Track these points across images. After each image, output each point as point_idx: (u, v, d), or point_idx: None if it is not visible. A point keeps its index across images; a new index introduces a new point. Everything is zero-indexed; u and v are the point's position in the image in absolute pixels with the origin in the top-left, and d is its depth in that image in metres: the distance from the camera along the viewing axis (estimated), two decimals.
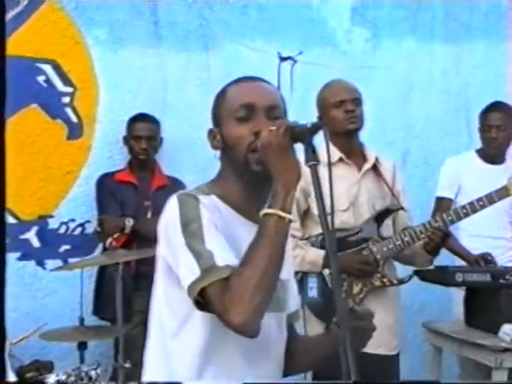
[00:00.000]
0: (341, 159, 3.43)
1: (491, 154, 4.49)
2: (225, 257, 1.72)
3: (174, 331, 1.83)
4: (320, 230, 3.24)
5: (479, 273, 3.82)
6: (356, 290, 3.35)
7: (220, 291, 1.68)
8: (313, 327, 3.23)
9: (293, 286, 2.05)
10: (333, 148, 3.33)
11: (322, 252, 3.29)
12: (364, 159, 3.51)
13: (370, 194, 3.46)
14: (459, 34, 5.35)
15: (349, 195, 3.41)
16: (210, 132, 1.95)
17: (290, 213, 1.74)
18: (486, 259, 4.08)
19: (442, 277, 3.86)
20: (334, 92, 3.50)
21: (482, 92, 5.28)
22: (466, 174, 4.49)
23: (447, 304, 4.55)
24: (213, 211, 1.80)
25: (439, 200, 4.54)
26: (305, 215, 3.38)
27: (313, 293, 3.31)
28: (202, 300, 1.72)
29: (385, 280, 3.39)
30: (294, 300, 2.05)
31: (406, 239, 3.39)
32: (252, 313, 1.67)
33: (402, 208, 3.50)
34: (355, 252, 3.37)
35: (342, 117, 3.40)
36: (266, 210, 1.74)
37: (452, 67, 5.36)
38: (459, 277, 3.77)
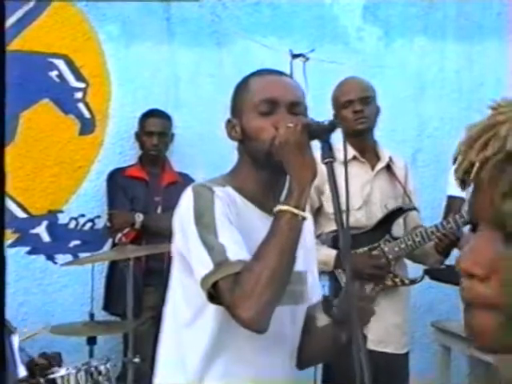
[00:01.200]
0: (355, 157, 3.42)
1: None
2: (237, 251, 1.74)
3: (188, 321, 1.87)
4: (332, 228, 3.26)
5: None
6: (367, 289, 3.34)
7: (231, 286, 1.71)
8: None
9: (313, 278, 2.05)
10: (347, 146, 3.33)
11: (333, 252, 3.29)
12: (378, 158, 3.51)
13: (383, 194, 3.47)
14: (471, 32, 5.35)
15: (362, 194, 3.41)
16: (229, 122, 1.96)
17: (304, 210, 1.76)
18: None
19: (453, 276, 3.84)
20: (343, 92, 3.50)
21: (494, 91, 5.28)
22: None
23: (456, 303, 4.55)
24: (228, 204, 1.82)
25: (451, 199, 4.54)
26: (317, 212, 3.39)
27: (324, 291, 3.32)
28: (214, 293, 1.74)
29: (397, 280, 3.39)
30: (314, 291, 2.05)
31: (418, 239, 3.39)
32: (261, 309, 1.69)
33: (415, 208, 3.51)
34: (368, 255, 3.36)
35: (350, 117, 3.40)
36: (280, 207, 1.76)
37: (464, 66, 5.36)
38: None
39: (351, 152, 3.39)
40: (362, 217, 3.39)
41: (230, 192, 1.88)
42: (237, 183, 1.90)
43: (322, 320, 1.95)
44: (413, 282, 3.46)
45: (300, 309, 1.99)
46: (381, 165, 3.50)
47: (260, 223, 1.84)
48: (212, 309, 1.81)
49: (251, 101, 1.90)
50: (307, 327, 2.01)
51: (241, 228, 1.81)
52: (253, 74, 1.97)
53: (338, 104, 3.47)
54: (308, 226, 1.87)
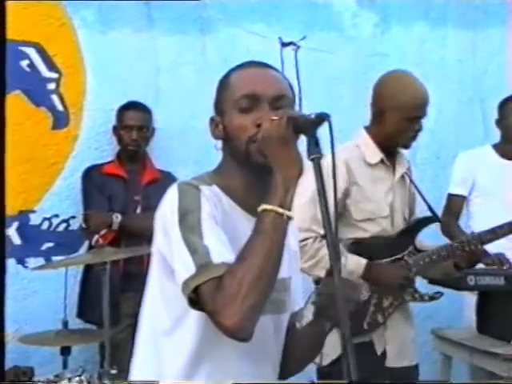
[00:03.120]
0: (382, 161, 3.39)
1: (510, 148, 4.50)
2: (222, 253, 1.74)
3: (168, 329, 1.86)
4: (353, 235, 3.30)
5: (492, 276, 3.82)
6: (386, 303, 3.34)
7: (213, 290, 1.70)
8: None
9: (297, 285, 2.05)
10: (375, 147, 3.36)
11: (363, 261, 3.27)
12: (398, 162, 3.47)
13: (402, 201, 3.46)
14: (474, 18, 5.37)
15: (386, 200, 3.39)
16: (212, 121, 1.96)
17: (289, 209, 1.76)
18: (501, 260, 4.10)
19: (453, 280, 3.87)
20: (414, 104, 3.32)
21: (498, 81, 5.31)
22: (481, 170, 4.51)
23: (457, 310, 4.58)
24: (214, 203, 1.82)
25: (451, 197, 4.56)
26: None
27: None
28: (195, 298, 1.74)
29: (416, 295, 3.39)
30: (296, 299, 2.05)
31: (443, 254, 3.40)
32: (244, 315, 1.68)
33: (439, 220, 3.53)
34: (399, 265, 3.36)
35: (409, 133, 3.36)
36: (263, 206, 1.76)
37: (467, 54, 5.38)
38: (471, 280, 3.78)
39: (379, 154, 3.37)
40: (387, 226, 3.37)
41: (216, 191, 1.88)
42: (222, 182, 1.90)
43: (306, 318, 1.96)
44: (432, 298, 3.44)
45: (283, 318, 1.99)
46: (402, 169, 3.46)
47: (245, 225, 1.83)
48: (194, 315, 1.80)
49: (232, 97, 1.90)
50: (289, 336, 2.01)
51: (226, 229, 1.81)
52: (234, 68, 1.97)
53: (402, 111, 3.32)
54: (291, 228, 1.87)
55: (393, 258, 3.37)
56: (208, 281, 1.71)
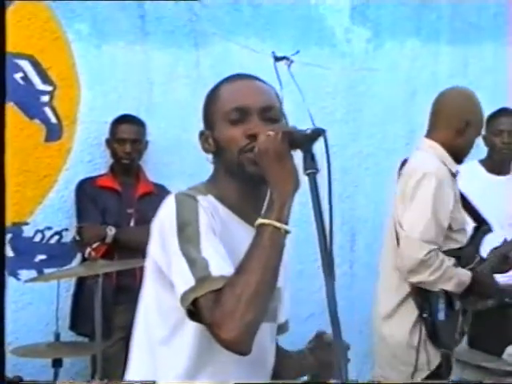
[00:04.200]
0: (454, 174, 3.59)
1: (498, 163, 4.52)
2: (220, 266, 1.75)
3: (164, 338, 1.87)
4: (450, 246, 3.45)
5: None
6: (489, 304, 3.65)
7: (211, 304, 1.71)
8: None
9: (285, 295, 2.07)
10: (451, 160, 3.55)
11: (469, 273, 3.44)
12: None
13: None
14: (466, 34, 5.41)
15: (461, 211, 3.58)
16: (202, 134, 1.98)
17: (286, 223, 1.77)
18: None
19: None
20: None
21: (490, 97, 5.32)
22: (469, 185, 4.51)
23: None
24: (212, 213, 1.83)
25: None
26: None
27: (441, 316, 3.41)
28: (194, 310, 1.75)
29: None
30: (285, 310, 2.07)
31: (498, 259, 3.62)
32: (243, 330, 1.69)
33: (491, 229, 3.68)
34: (491, 274, 3.56)
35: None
36: (261, 220, 1.77)
37: (458, 70, 5.41)
38: None
39: (455, 167, 3.57)
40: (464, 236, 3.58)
41: (212, 201, 1.89)
42: (217, 192, 1.92)
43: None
44: None
45: (275, 327, 2.02)
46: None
47: (243, 233, 1.85)
48: (191, 325, 1.82)
49: (221, 110, 1.92)
50: (278, 360, 2.05)
51: (224, 239, 1.82)
52: (222, 82, 2.00)
53: (480, 127, 3.73)
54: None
55: (470, 266, 3.50)
56: (207, 294, 1.72)
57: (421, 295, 3.41)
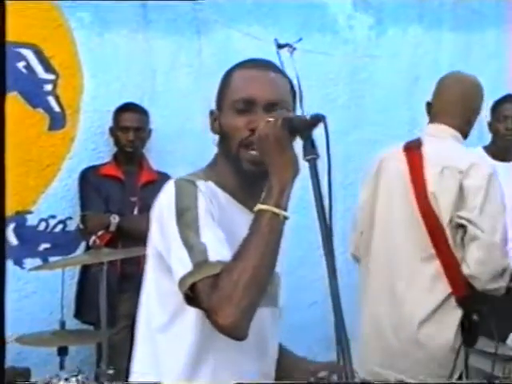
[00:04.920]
0: None
1: (502, 149, 4.51)
2: (218, 251, 1.76)
3: (163, 325, 1.88)
4: None
5: None
6: None
7: (209, 289, 1.72)
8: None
9: (282, 281, 2.08)
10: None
11: None
12: None
13: None
14: (469, 21, 5.39)
15: None
16: (212, 114, 2.00)
17: (285, 209, 1.78)
18: None
19: None
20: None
21: (493, 84, 5.31)
22: None
23: None
24: (211, 199, 1.85)
25: None
26: None
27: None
28: (192, 295, 1.76)
29: None
30: (282, 294, 2.08)
31: None
32: (240, 316, 1.70)
33: None
34: None
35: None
36: (259, 206, 1.78)
37: (461, 57, 5.40)
38: None
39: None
40: None
41: (212, 186, 1.90)
42: (217, 177, 1.93)
43: None
44: None
45: (277, 312, 2.02)
46: None
47: (242, 219, 1.86)
48: (191, 312, 1.83)
49: (230, 97, 1.94)
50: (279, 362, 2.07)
51: (223, 224, 1.83)
52: (237, 66, 2.01)
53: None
54: None
55: None
56: (204, 279, 1.73)
57: (470, 296, 3.31)
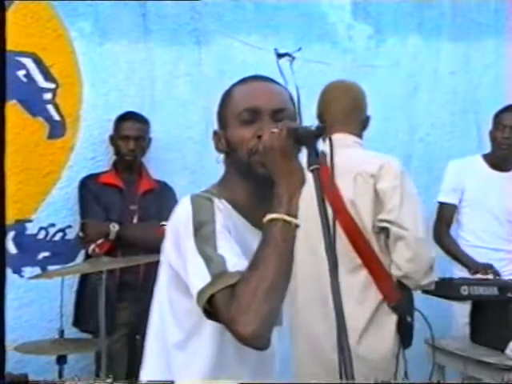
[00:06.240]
0: None
1: (499, 159, 4.53)
2: (237, 263, 1.75)
3: (180, 343, 1.88)
4: None
5: (486, 286, 3.85)
6: None
7: (228, 299, 1.70)
8: None
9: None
10: None
11: None
12: None
13: None
14: (468, 31, 5.41)
15: None
16: (215, 134, 1.99)
17: (296, 217, 1.77)
18: (491, 269, 4.13)
19: (446, 290, 3.89)
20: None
21: (491, 93, 5.34)
22: (470, 179, 4.54)
23: (451, 319, 4.59)
24: (226, 215, 1.85)
25: (442, 205, 4.59)
26: None
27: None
28: (210, 309, 1.74)
29: None
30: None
31: None
32: (261, 323, 1.68)
33: None
34: None
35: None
36: (270, 216, 1.77)
37: (460, 67, 5.42)
38: (464, 290, 3.80)
39: None
40: None
41: (226, 204, 1.90)
42: (229, 196, 1.92)
43: None
44: None
45: (280, 330, 2.01)
46: None
47: (253, 239, 1.84)
48: (207, 331, 1.83)
49: (234, 110, 1.93)
50: None
51: (237, 242, 1.82)
52: (237, 83, 2.01)
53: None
54: None
55: None
56: (223, 289, 1.71)
57: (402, 299, 3.30)
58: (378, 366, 3.26)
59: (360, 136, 3.48)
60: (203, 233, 1.78)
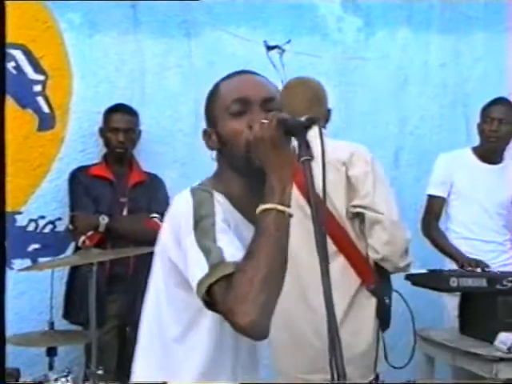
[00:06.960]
0: None
1: (488, 152, 4.54)
2: (235, 254, 1.74)
3: (178, 336, 1.87)
4: None
5: (475, 277, 3.86)
6: None
7: (225, 290, 1.70)
8: None
9: None
10: None
11: None
12: None
13: None
14: (457, 24, 5.41)
15: None
16: (205, 132, 1.98)
17: (289, 206, 1.77)
18: (479, 264, 4.13)
19: (436, 281, 3.90)
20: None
21: (481, 86, 5.35)
22: (459, 172, 4.54)
23: (440, 311, 4.61)
24: (225, 209, 1.84)
25: (431, 198, 4.59)
26: None
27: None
28: (210, 300, 1.74)
29: None
30: None
31: None
32: (258, 313, 1.67)
33: None
34: None
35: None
36: (263, 206, 1.76)
37: (449, 59, 5.43)
38: (454, 282, 3.81)
39: None
40: None
41: (223, 198, 1.89)
42: (223, 189, 1.91)
43: None
44: None
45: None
46: None
47: (247, 233, 1.84)
48: (204, 324, 1.83)
49: (223, 104, 1.91)
50: None
51: (234, 234, 1.82)
52: (222, 79, 2.00)
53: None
54: None
55: None
56: (220, 280, 1.71)
57: (380, 281, 3.34)
58: (361, 350, 3.30)
59: (324, 128, 3.47)
60: (203, 226, 1.78)
